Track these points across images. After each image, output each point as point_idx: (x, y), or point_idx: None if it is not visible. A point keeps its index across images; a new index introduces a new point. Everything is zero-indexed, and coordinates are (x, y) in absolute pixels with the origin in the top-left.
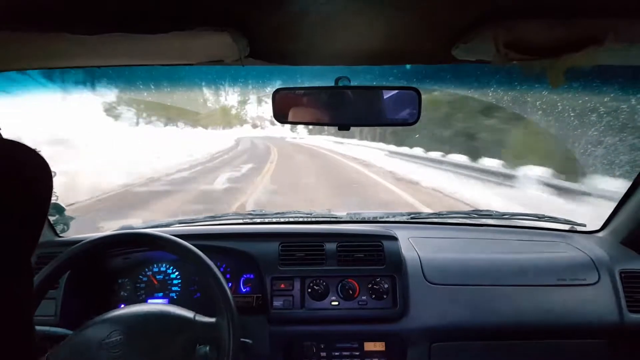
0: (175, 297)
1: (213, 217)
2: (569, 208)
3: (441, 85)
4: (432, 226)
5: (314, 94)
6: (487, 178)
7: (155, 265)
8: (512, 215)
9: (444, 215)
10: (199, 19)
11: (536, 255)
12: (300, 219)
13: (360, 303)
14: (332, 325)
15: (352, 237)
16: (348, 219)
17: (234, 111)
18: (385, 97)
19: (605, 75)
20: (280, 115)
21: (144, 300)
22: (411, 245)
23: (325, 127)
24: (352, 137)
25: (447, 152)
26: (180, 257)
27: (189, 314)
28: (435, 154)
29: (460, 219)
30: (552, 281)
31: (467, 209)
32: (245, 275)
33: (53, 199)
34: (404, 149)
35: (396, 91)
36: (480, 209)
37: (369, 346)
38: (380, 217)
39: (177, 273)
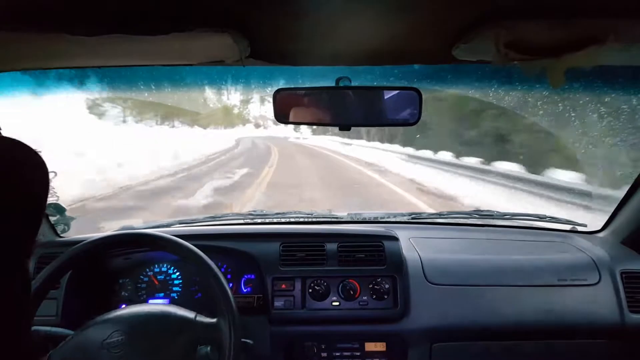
0: (176, 298)
1: (214, 218)
2: None
3: (442, 85)
4: (433, 226)
5: (315, 94)
6: (559, 197)
7: (156, 266)
8: (513, 216)
9: (445, 216)
10: (199, 20)
11: (537, 256)
12: (301, 219)
13: (361, 303)
14: (333, 326)
15: (353, 237)
16: (349, 219)
17: (236, 110)
18: (386, 97)
19: (605, 75)
20: (281, 116)
21: (145, 301)
22: (412, 246)
23: (330, 127)
24: (360, 137)
25: (488, 158)
26: (181, 257)
27: (189, 314)
28: (470, 160)
29: (461, 219)
30: (553, 281)
31: None
32: (246, 276)
33: (53, 200)
34: (425, 153)
35: (397, 91)
36: (482, 209)
37: (370, 346)
38: (381, 218)
39: (178, 273)
